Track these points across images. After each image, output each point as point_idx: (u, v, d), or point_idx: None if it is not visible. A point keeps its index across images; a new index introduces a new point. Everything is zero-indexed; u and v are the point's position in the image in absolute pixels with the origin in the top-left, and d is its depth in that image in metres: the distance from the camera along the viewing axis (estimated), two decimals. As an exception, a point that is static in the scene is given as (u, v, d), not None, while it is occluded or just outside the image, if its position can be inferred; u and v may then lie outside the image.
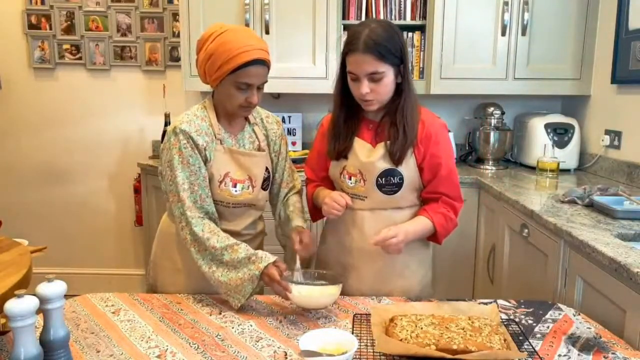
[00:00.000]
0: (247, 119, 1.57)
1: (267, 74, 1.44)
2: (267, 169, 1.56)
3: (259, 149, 1.55)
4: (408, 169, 1.47)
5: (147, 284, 1.67)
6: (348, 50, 1.41)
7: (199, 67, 1.46)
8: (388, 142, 1.46)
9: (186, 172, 1.40)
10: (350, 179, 1.51)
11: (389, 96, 1.45)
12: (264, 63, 1.41)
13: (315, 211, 1.65)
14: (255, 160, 1.52)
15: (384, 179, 1.46)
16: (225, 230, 1.46)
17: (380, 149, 1.47)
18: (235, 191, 1.48)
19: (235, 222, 1.52)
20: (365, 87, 1.40)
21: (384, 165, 1.46)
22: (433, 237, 1.54)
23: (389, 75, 1.40)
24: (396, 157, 1.45)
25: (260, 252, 1.37)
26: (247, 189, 1.50)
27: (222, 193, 1.47)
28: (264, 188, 1.56)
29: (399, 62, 1.41)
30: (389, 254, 1.45)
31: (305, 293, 1.30)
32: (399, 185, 1.47)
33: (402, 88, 1.45)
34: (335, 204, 1.46)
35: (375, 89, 1.41)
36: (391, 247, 1.39)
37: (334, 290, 1.32)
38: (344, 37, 2.89)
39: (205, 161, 1.44)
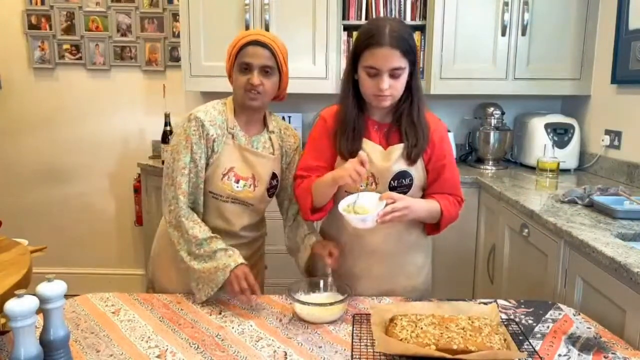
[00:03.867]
0: (265, 125, 1.58)
1: (271, 58, 1.45)
2: (275, 176, 1.56)
3: (273, 153, 1.56)
4: (417, 170, 1.47)
5: (147, 279, 1.68)
6: (369, 44, 1.37)
7: (228, 74, 1.53)
8: (403, 143, 1.45)
9: (187, 157, 1.44)
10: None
11: (401, 94, 1.44)
12: (265, 46, 1.44)
13: (315, 209, 1.52)
14: (263, 162, 1.53)
15: (396, 181, 1.45)
16: (221, 230, 1.48)
17: (395, 151, 1.45)
18: (237, 187, 1.49)
19: (232, 222, 1.52)
20: (386, 82, 1.37)
21: (398, 167, 1.45)
22: (435, 224, 1.51)
23: (406, 72, 1.40)
24: (413, 158, 1.44)
25: (237, 250, 1.42)
26: (249, 187, 1.51)
27: (224, 186, 1.48)
28: (269, 195, 1.57)
29: (414, 60, 1.41)
30: (394, 252, 1.47)
31: (310, 312, 1.28)
32: (409, 187, 1.47)
33: (413, 87, 1.44)
34: (355, 173, 1.32)
35: (393, 85, 1.39)
36: (396, 217, 1.35)
37: (338, 309, 1.29)
38: (344, 37, 2.90)
39: (212, 152, 1.46)
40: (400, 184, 1.45)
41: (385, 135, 1.48)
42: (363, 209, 1.35)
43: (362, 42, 1.40)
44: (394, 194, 1.38)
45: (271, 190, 1.57)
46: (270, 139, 1.58)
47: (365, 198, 1.38)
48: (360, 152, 1.34)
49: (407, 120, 1.45)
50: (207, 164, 1.48)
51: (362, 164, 1.32)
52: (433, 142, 1.47)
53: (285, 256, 1.70)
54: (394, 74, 1.38)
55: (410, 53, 1.38)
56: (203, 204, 1.50)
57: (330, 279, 1.42)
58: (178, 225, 1.43)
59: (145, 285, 1.66)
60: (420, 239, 1.58)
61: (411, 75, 1.43)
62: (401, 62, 1.37)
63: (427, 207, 1.46)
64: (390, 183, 1.45)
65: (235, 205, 1.52)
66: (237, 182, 1.49)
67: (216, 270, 1.35)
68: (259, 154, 1.53)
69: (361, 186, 1.47)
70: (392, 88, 1.39)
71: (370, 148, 1.46)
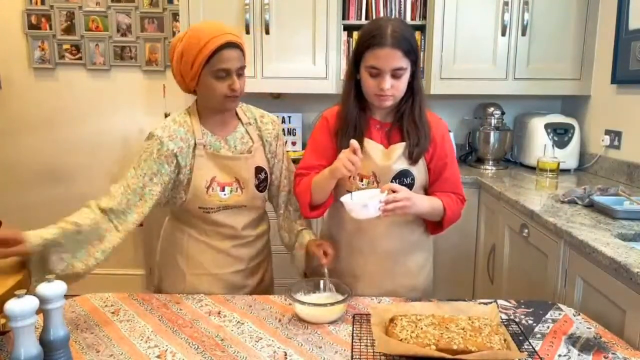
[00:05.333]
0: (239, 119, 1.56)
1: (243, 58, 1.43)
2: (263, 170, 1.55)
3: (250, 150, 1.53)
4: (418, 169, 1.47)
5: (153, 285, 1.68)
6: (371, 44, 1.38)
7: (175, 74, 1.45)
8: (404, 142, 1.45)
9: (134, 171, 1.42)
10: (362, 180, 1.48)
11: (402, 94, 1.45)
12: (238, 47, 1.41)
13: (314, 206, 1.50)
14: (240, 164, 1.50)
15: (397, 180, 1.45)
16: (225, 235, 1.50)
17: (396, 150, 1.46)
18: (224, 195, 1.47)
19: (230, 226, 1.51)
20: (387, 82, 1.38)
21: (400, 166, 1.45)
22: (438, 222, 1.51)
23: (407, 72, 1.41)
24: (414, 158, 1.45)
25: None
26: (236, 191, 1.49)
27: (211, 199, 1.46)
28: (260, 190, 1.54)
29: (416, 60, 1.42)
30: (394, 249, 1.47)
31: (310, 312, 1.28)
32: (411, 186, 1.47)
33: (414, 87, 1.45)
34: (349, 163, 1.32)
35: (395, 85, 1.40)
36: (398, 209, 1.35)
37: (338, 310, 1.29)
38: (344, 37, 2.90)
39: (180, 167, 1.43)
40: (401, 183, 1.46)
41: (386, 135, 1.49)
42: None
43: (364, 42, 1.40)
44: (395, 185, 1.37)
45: (262, 185, 1.54)
46: (247, 131, 1.55)
47: (367, 193, 1.39)
48: (352, 141, 1.32)
49: (408, 120, 1.46)
50: (183, 181, 1.45)
51: (354, 152, 1.31)
52: (435, 140, 1.48)
53: (286, 256, 1.70)
54: (395, 74, 1.38)
55: (412, 53, 1.39)
56: (197, 220, 1.50)
57: (327, 279, 1.41)
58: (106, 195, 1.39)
59: (155, 287, 1.66)
60: (422, 238, 1.58)
61: (413, 75, 1.43)
62: (403, 62, 1.38)
63: (429, 202, 1.46)
64: (391, 182, 1.45)
65: (228, 211, 1.50)
66: (223, 189, 1.47)
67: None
68: (234, 157, 1.49)
69: (362, 185, 1.47)
70: (394, 88, 1.40)
71: (372, 147, 1.47)
